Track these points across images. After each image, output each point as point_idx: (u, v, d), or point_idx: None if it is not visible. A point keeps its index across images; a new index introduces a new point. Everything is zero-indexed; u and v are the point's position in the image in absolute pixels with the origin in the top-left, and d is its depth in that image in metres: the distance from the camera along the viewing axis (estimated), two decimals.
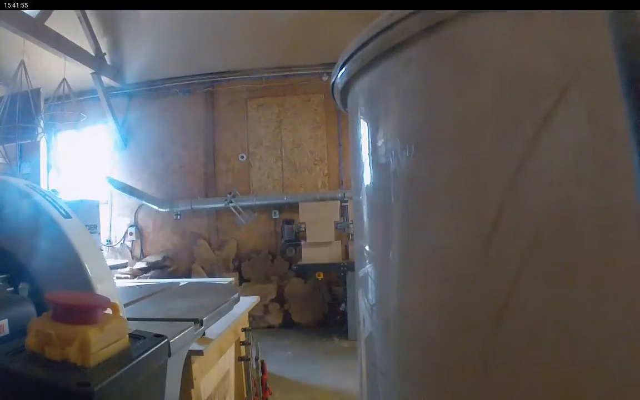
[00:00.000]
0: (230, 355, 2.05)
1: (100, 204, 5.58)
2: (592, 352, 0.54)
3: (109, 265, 0.98)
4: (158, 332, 0.82)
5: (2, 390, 0.59)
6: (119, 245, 6.34)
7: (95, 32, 5.47)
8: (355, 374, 1.04)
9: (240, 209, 5.79)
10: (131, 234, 6.32)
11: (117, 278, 4.94)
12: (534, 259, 0.58)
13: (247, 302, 2.29)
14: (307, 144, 6.12)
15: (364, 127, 0.92)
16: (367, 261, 0.92)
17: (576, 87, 0.55)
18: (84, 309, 0.65)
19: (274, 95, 6.14)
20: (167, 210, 6.07)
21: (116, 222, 6.36)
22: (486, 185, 0.63)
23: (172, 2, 4.36)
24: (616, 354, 0.52)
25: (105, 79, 5.86)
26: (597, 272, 0.53)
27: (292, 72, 6.03)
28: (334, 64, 0.96)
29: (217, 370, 1.83)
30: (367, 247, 0.91)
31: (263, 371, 2.45)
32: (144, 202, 6.18)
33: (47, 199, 0.95)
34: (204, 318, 1.43)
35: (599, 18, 0.44)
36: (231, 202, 5.78)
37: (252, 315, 3.65)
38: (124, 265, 5.89)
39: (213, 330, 1.60)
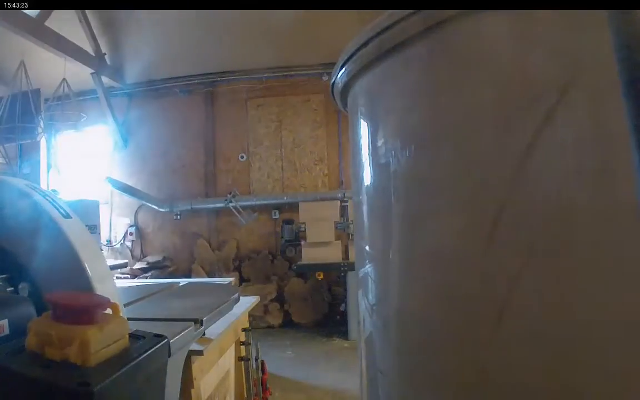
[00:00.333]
0: (230, 355, 2.05)
1: (100, 204, 5.58)
2: (592, 352, 0.54)
3: (109, 265, 0.98)
4: (158, 332, 0.82)
5: (2, 390, 0.59)
6: (119, 245, 6.34)
7: (95, 32, 5.47)
8: (355, 374, 1.04)
9: (240, 209, 5.79)
10: (131, 234, 6.31)
11: (117, 278, 4.94)
12: (534, 259, 0.58)
13: (247, 302, 2.29)
14: (307, 144, 6.12)
15: (364, 127, 0.92)
16: (367, 261, 0.91)
17: (576, 87, 0.55)
18: (84, 309, 0.65)
19: (274, 95, 6.14)
20: (167, 210, 6.07)
21: (116, 222, 6.36)
22: (486, 185, 0.63)
23: (172, 2, 4.36)
24: (617, 354, 0.52)
25: (105, 79, 5.86)
26: (598, 272, 0.53)
27: (292, 72, 6.03)
28: (334, 64, 0.96)
29: (217, 370, 1.83)
30: (367, 247, 0.91)
31: (263, 371, 2.45)
32: (144, 202, 6.18)
33: (47, 199, 0.95)
34: (204, 318, 1.43)
35: (599, 18, 0.44)
36: (231, 202, 5.78)
37: (252, 315, 3.65)
38: (124, 265, 5.89)
39: (213, 330, 1.60)
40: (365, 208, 0.93)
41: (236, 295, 2.00)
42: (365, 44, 0.80)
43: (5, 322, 0.73)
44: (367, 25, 0.78)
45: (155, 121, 6.31)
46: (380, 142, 0.83)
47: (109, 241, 6.31)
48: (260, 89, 6.14)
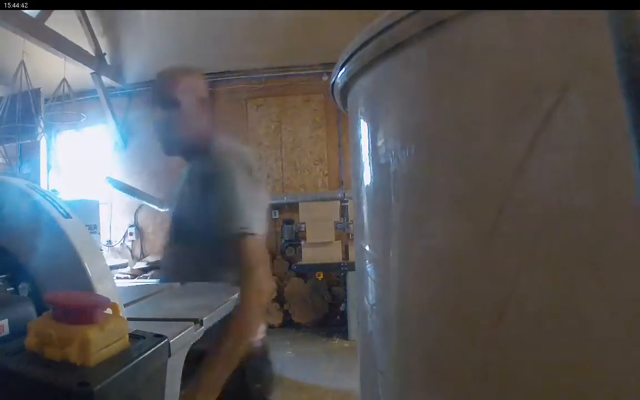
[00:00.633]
0: None
1: (100, 204, 5.58)
2: (593, 352, 0.54)
3: (109, 265, 0.97)
4: (158, 332, 0.82)
5: (1, 390, 0.59)
6: (119, 245, 6.34)
7: (95, 32, 5.47)
8: (355, 374, 1.04)
9: None
10: (131, 234, 6.31)
11: (117, 278, 4.94)
12: (534, 259, 0.58)
13: None
14: (307, 144, 6.12)
15: (364, 127, 0.92)
16: (367, 261, 0.92)
17: (576, 87, 0.55)
18: (84, 309, 0.65)
19: (274, 95, 6.14)
20: (167, 210, 6.06)
21: (116, 222, 6.36)
22: (486, 185, 0.63)
23: (172, 2, 4.36)
24: (617, 354, 0.52)
25: (105, 79, 5.86)
26: (598, 273, 0.53)
27: (292, 72, 6.03)
28: (334, 64, 0.96)
29: None
30: (367, 247, 0.91)
31: None
32: (144, 202, 6.18)
33: (47, 199, 0.95)
34: (204, 318, 1.42)
35: (599, 18, 0.44)
36: None
37: None
38: (124, 265, 5.89)
39: None
40: (365, 208, 0.93)
41: (236, 295, 2.00)
42: (365, 44, 0.80)
43: (5, 322, 0.73)
44: (367, 25, 0.78)
45: None
46: (380, 142, 0.83)
47: (109, 241, 6.31)
48: (260, 89, 6.13)
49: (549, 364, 0.56)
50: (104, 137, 6.44)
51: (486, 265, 0.62)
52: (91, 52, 5.44)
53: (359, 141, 0.93)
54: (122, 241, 6.34)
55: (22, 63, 4.73)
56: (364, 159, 0.90)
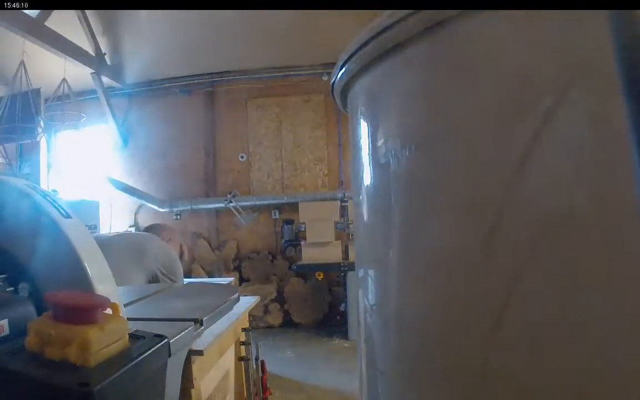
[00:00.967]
0: (230, 355, 2.05)
1: (100, 204, 5.58)
2: (593, 353, 0.54)
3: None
4: (158, 332, 0.82)
5: (1, 390, 0.59)
6: None
7: (95, 32, 5.47)
8: (355, 374, 1.04)
9: (241, 209, 5.79)
10: None
11: None
12: (534, 259, 0.58)
13: (247, 302, 2.29)
14: (307, 144, 6.12)
15: (364, 127, 0.92)
16: (367, 261, 0.92)
17: (576, 87, 0.55)
18: (84, 309, 0.65)
19: (274, 95, 6.14)
20: (167, 210, 6.06)
21: (116, 222, 6.36)
22: (486, 185, 0.63)
23: (172, 2, 4.36)
24: (618, 355, 0.52)
25: (105, 79, 5.86)
26: (598, 273, 0.53)
27: (292, 72, 6.03)
28: (334, 64, 0.96)
29: (217, 370, 1.83)
30: (367, 247, 0.91)
31: (263, 371, 2.45)
32: (144, 202, 6.18)
33: (47, 199, 0.95)
34: (204, 318, 1.42)
35: (599, 18, 0.44)
36: (231, 202, 5.78)
37: (252, 315, 3.64)
38: None
39: (213, 330, 1.60)
40: (365, 208, 0.93)
41: (236, 295, 2.00)
42: (365, 44, 0.80)
43: (5, 322, 0.73)
44: (367, 25, 0.78)
45: (155, 121, 6.30)
46: (380, 142, 0.83)
47: None
48: (260, 89, 6.14)
49: (548, 365, 0.56)
50: (104, 137, 6.44)
51: (486, 266, 0.62)
52: (91, 52, 5.44)
53: (359, 141, 0.93)
54: None
55: (22, 63, 4.73)
56: (364, 159, 0.90)
